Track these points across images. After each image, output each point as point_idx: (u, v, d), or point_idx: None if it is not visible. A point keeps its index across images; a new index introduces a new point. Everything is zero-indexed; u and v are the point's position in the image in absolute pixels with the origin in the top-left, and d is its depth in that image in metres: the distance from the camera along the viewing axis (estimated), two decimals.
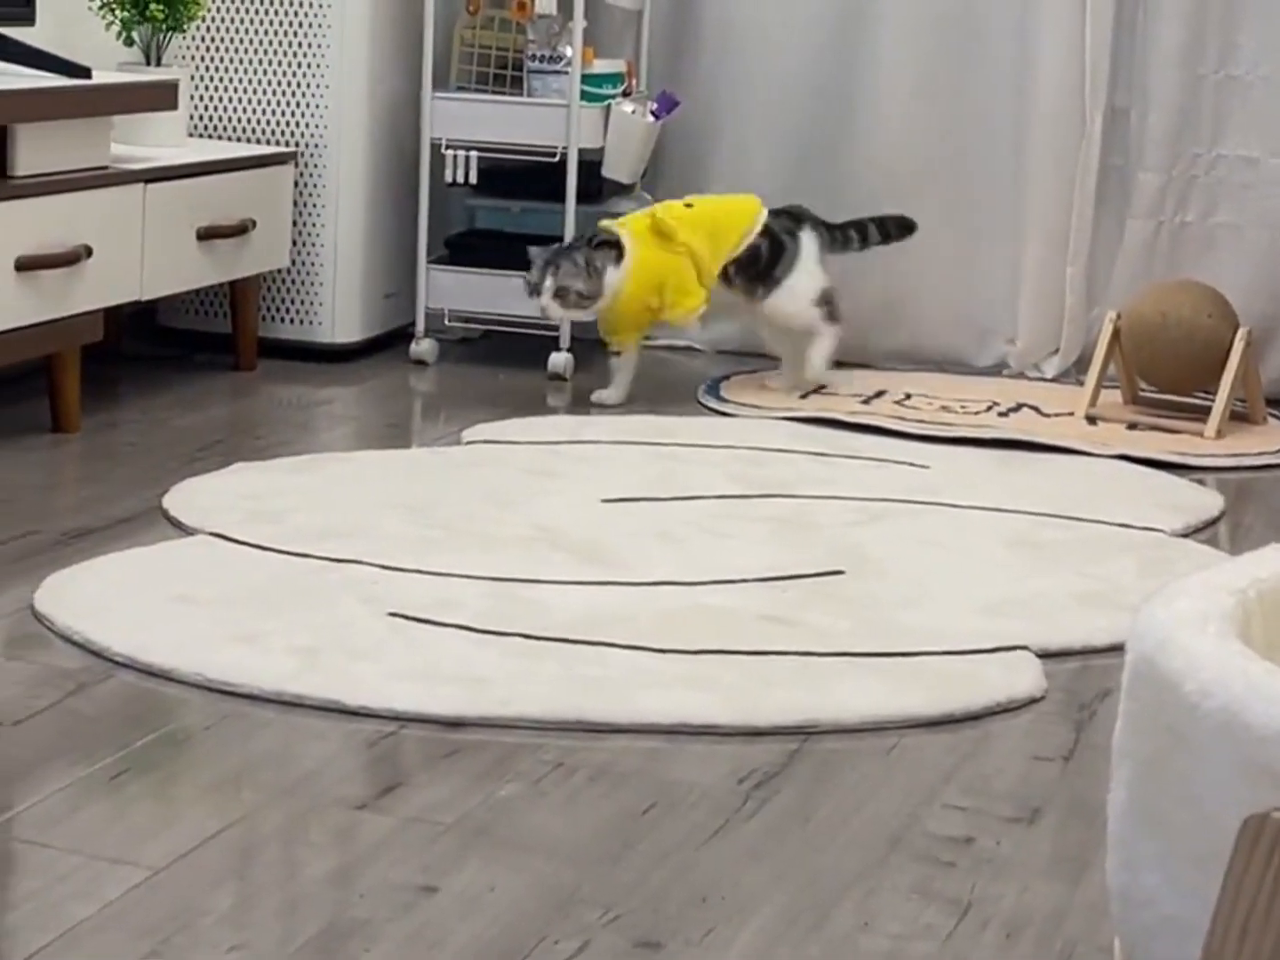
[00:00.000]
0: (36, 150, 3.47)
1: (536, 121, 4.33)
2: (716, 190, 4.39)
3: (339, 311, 4.34)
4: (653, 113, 4.48)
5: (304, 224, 4.31)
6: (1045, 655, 2.68)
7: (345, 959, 1.81)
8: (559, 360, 4.32)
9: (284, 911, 1.90)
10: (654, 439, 3.75)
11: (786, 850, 2.09)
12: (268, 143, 4.32)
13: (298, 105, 4.32)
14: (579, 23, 4.31)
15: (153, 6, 3.94)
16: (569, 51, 4.33)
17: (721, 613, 2.78)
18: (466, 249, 4.44)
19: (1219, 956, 1.20)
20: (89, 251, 3.52)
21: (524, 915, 1.91)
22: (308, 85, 4.30)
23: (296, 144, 4.31)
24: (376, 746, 2.31)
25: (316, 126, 4.31)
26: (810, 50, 4.59)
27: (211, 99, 4.36)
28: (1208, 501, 3.53)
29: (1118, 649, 2.60)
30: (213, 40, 4.34)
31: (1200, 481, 3.69)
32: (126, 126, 3.89)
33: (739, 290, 4.10)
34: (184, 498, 3.20)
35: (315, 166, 4.31)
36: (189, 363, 4.26)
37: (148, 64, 4.04)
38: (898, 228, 4.28)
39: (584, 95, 4.32)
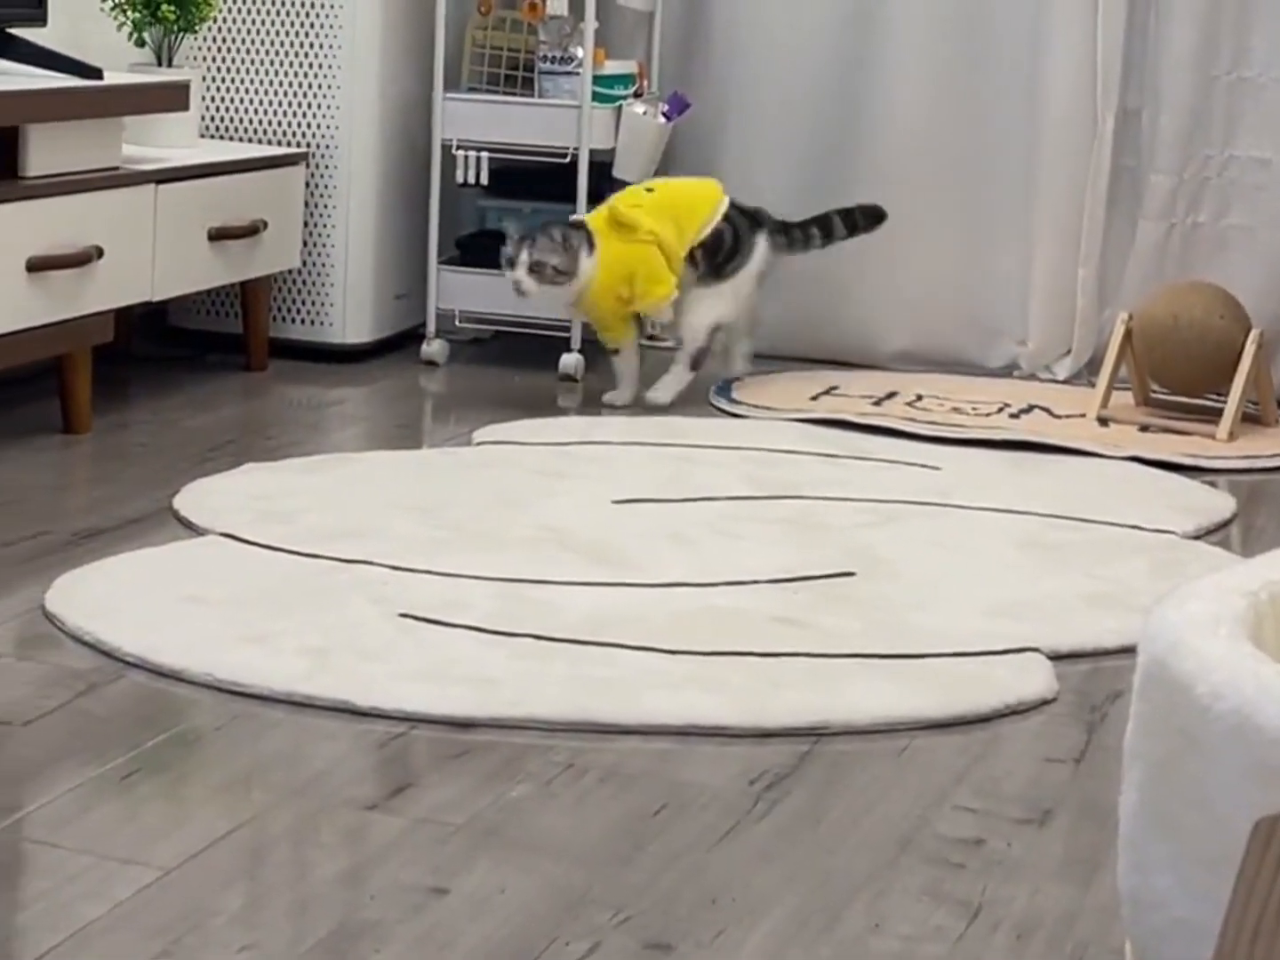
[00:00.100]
0: (48, 151, 3.47)
1: (548, 122, 4.33)
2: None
3: (350, 312, 4.34)
4: (664, 114, 4.47)
5: (315, 225, 4.31)
6: (1056, 657, 2.68)
7: None
8: (570, 361, 4.32)
9: (294, 912, 1.90)
10: (665, 440, 3.75)
11: (797, 852, 2.09)
12: (279, 143, 4.32)
13: (309, 106, 4.32)
14: (590, 24, 4.31)
15: (164, 7, 3.94)
16: (580, 52, 4.33)
17: (732, 614, 2.78)
18: (477, 250, 4.44)
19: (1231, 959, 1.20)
20: (100, 252, 3.52)
21: (534, 916, 1.91)
22: (319, 86, 4.31)
23: (307, 145, 4.32)
24: (387, 747, 2.31)
25: (327, 127, 4.31)
26: (821, 52, 4.59)
27: (223, 100, 4.37)
28: (1219, 503, 3.52)
29: (1129, 651, 2.61)
30: (224, 41, 4.34)
31: (1212, 483, 3.68)
32: (138, 127, 3.89)
33: (701, 276, 4.07)
34: (195, 498, 3.21)
35: (326, 167, 4.31)
36: (200, 363, 4.26)
37: (159, 65, 4.04)
38: (866, 218, 4.26)
39: (595, 96, 4.32)
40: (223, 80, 4.36)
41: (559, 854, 2.04)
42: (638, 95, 4.50)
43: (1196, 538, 3.32)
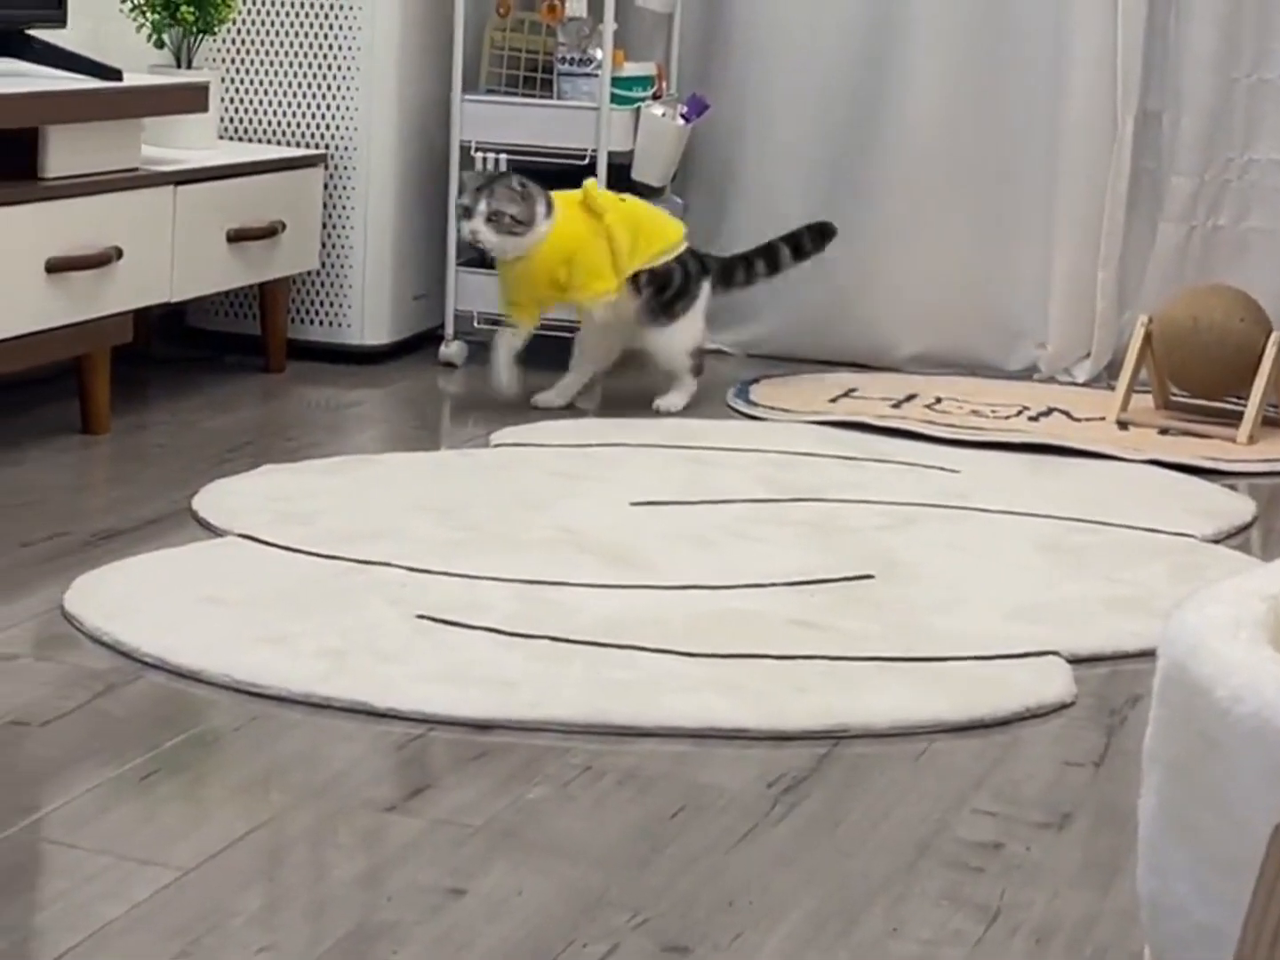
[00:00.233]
0: (68, 152, 3.48)
1: (566, 124, 4.33)
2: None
3: (368, 313, 4.34)
4: (683, 115, 4.47)
5: (333, 226, 4.32)
6: (1075, 660, 2.67)
7: None
8: None
9: (312, 913, 1.90)
10: (683, 442, 3.75)
11: (815, 855, 2.08)
12: (297, 145, 4.33)
13: (327, 108, 4.32)
14: (609, 25, 4.31)
15: (184, 9, 3.95)
16: (599, 54, 4.33)
17: (750, 616, 2.77)
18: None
19: None
20: (119, 253, 3.53)
21: (552, 918, 1.91)
22: (337, 88, 4.31)
23: (326, 146, 4.32)
24: (405, 749, 2.31)
25: (346, 129, 4.31)
26: (841, 53, 4.58)
27: (242, 101, 4.37)
28: (1239, 507, 3.51)
29: (1148, 654, 2.61)
30: (243, 43, 4.35)
31: (1232, 487, 3.67)
32: (157, 128, 3.90)
33: (643, 307, 3.98)
34: (213, 499, 3.21)
35: (345, 169, 4.32)
36: (218, 364, 4.27)
37: (178, 66, 4.05)
38: (814, 239, 4.21)
39: (614, 98, 4.32)
40: (242, 82, 4.36)
41: (577, 856, 2.04)
42: (656, 97, 4.50)
43: (1216, 541, 3.31)
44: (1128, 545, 3.22)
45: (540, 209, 3.85)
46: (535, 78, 4.49)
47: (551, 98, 4.41)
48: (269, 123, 4.36)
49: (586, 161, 4.30)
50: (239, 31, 4.34)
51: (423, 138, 4.43)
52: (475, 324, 4.41)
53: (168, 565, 2.89)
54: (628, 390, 4.13)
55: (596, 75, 4.33)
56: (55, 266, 3.40)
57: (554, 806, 2.17)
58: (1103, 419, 4.08)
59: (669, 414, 4.02)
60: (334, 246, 4.31)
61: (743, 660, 2.59)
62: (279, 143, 4.35)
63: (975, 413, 4.10)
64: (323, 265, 4.30)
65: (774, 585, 2.91)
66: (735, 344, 4.70)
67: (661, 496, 3.37)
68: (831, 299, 4.63)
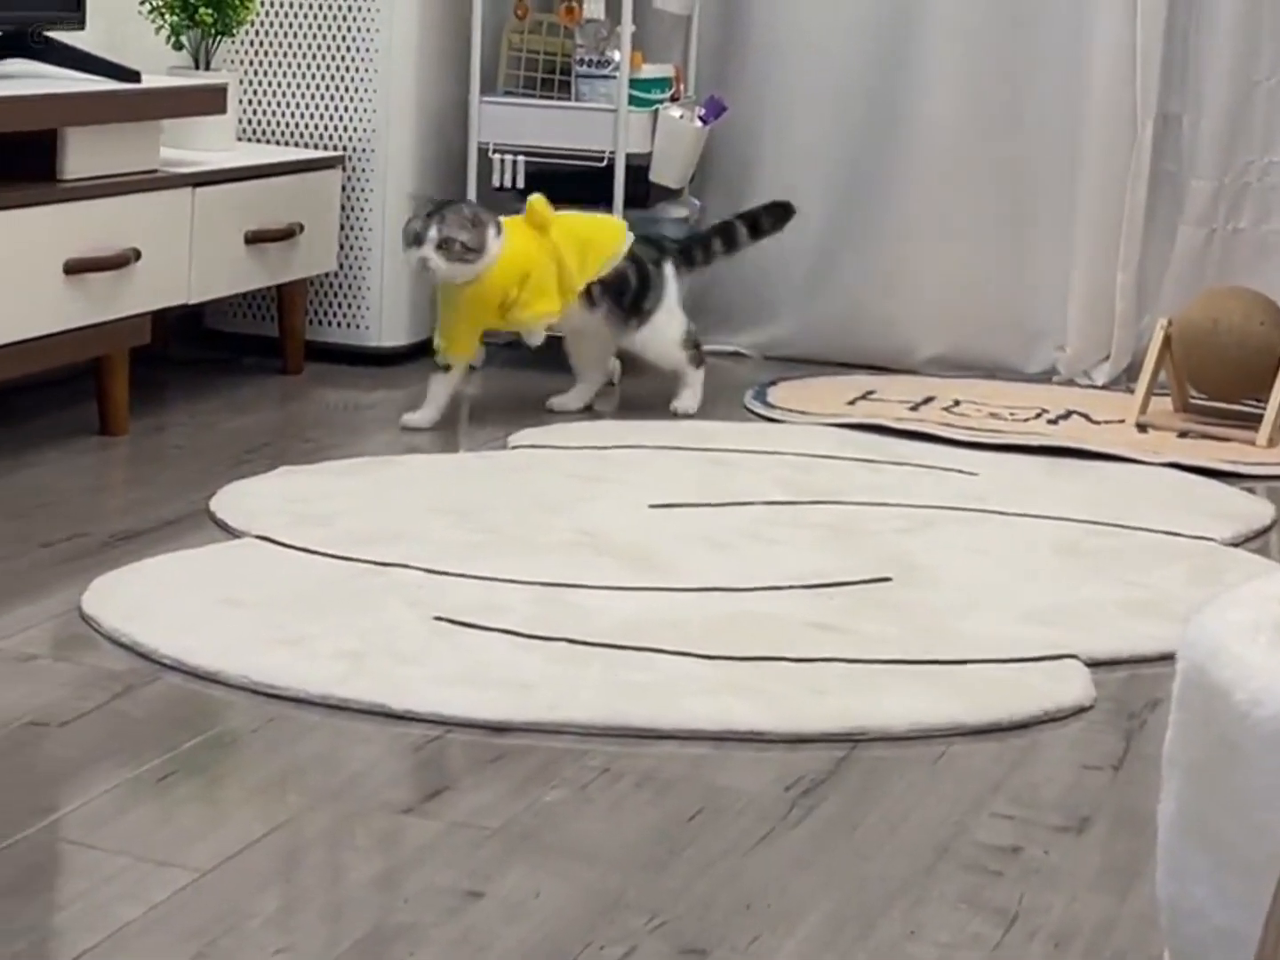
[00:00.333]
0: (86, 154, 3.48)
1: (584, 126, 4.33)
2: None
3: (386, 315, 4.34)
4: (700, 117, 4.47)
5: (351, 228, 4.32)
6: (1094, 664, 2.67)
7: None
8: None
9: (330, 915, 1.90)
10: (701, 445, 3.75)
11: (833, 858, 2.08)
12: (315, 147, 4.33)
13: (345, 109, 4.33)
14: (627, 27, 4.31)
15: (202, 11, 3.95)
16: (617, 56, 4.33)
17: (768, 619, 2.77)
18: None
19: None
20: (137, 255, 3.53)
21: (569, 921, 1.90)
22: (355, 89, 4.31)
23: (344, 148, 4.32)
24: (422, 751, 2.31)
25: (364, 130, 4.32)
26: (859, 56, 4.58)
27: (260, 103, 4.38)
28: (1258, 510, 3.50)
29: (1167, 658, 2.59)
30: (261, 44, 4.35)
31: (1251, 490, 3.66)
32: (175, 130, 3.90)
33: (606, 317, 3.92)
34: (231, 500, 3.21)
35: (363, 170, 4.32)
36: (236, 366, 4.27)
37: (197, 68, 4.05)
38: (772, 218, 4.14)
39: (632, 100, 4.33)
40: (260, 83, 4.37)
41: (594, 858, 2.04)
42: (674, 99, 4.50)
43: (1235, 544, 3.30)
44: (1147, 548, 3.21)
45: (490, 234, 3.75)
46: (553, 80, 4.49)
47: (569, 100, 4.41)
48: (287, 124, 4.37)
49: (604, 163, 4.30)
50: (257, 33, 4.34)
51: (441, 140, 4.43)
52: None
53: (186, 566, 2.89)
54: (646, 393, 4.13)
55: (614, 77, 4.33)
56: (74, 268, 3.40)
57: (572, 809, 2.16)
58: (1122, 422, 4.07)
59: (687, 415, 4.00)
60: (352, 248, 4.32)
61: (761, 663, 2.59)
62: (297, 144, 4.35)
63: (994, 415, 4.09)
64: (341, 267, 4.30)
65: (792, 588, 2.91)
66: (753, 346, 4.70)
67: (680, 499, 3.36)
68: (849, 301, 4.62)
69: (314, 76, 4.34)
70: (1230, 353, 3.99)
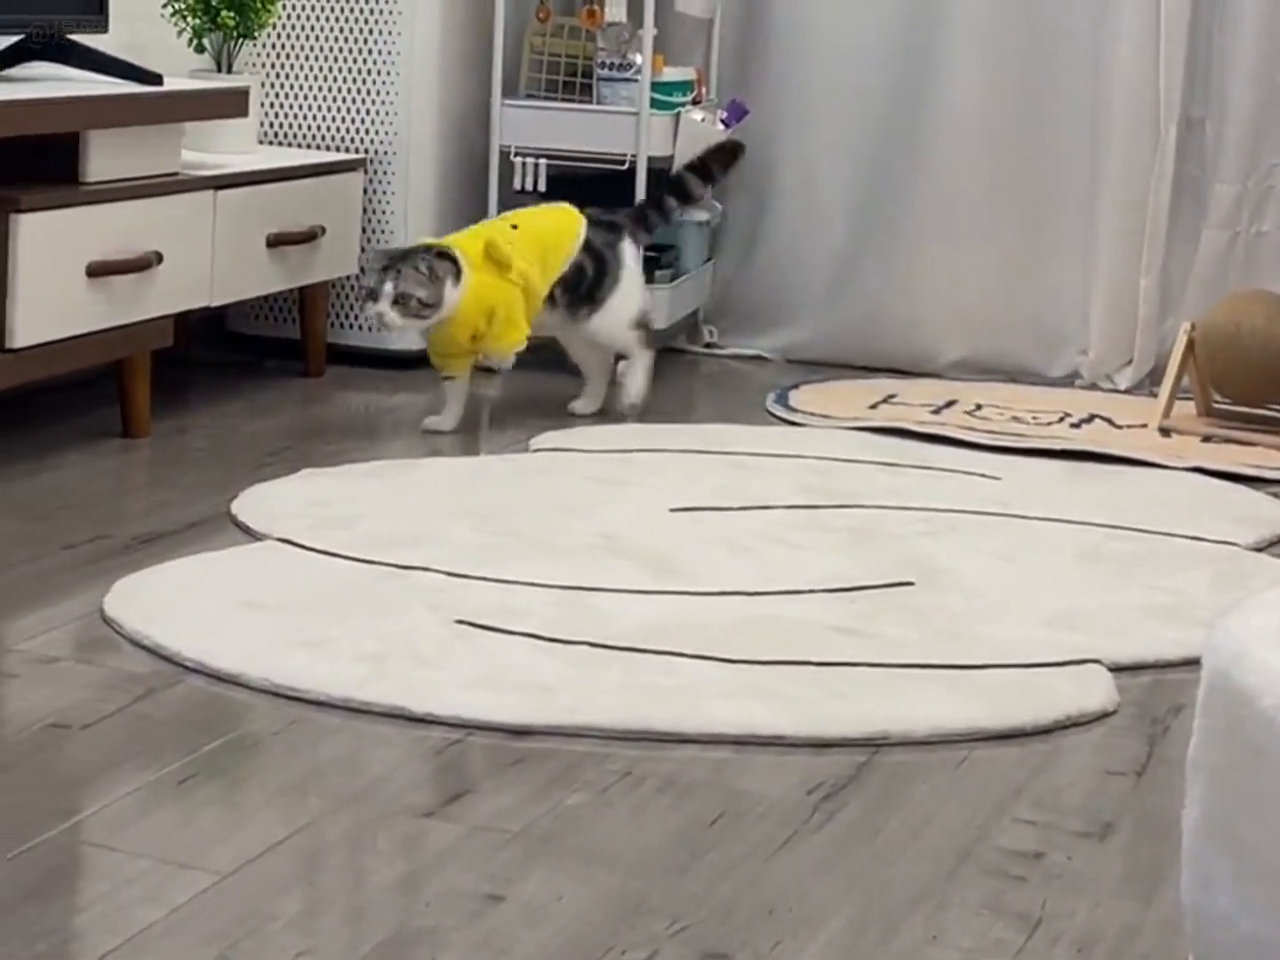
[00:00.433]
0: (108, 157, 3.48)
1: (606, 129, 4.33)
2: None
3: None
4: (722, 121, 4.47)
5: (373, 231, 4.32)
6: (1117, 669, 2.66)
7: None
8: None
9: (351, 918, 1.90)
10: (722, 448, 3.74)
11: (855, 862, 2.07)
12: (337, 149, 4.33)
13: (367, 112, 4.33)
14: (649, 30, 4.31)
15: (224, 14, 3.96)
16: (639, 59, 4.33)
17: (790, 623, 2.76)
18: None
19: None
20: (159, 257, 3.54)
21: (591, 925, 1.90)
22: (377, 92, 4.32)
23: (366, 151, 4.33)
24: (443, 754, 2.31)
25: (386, 133, 4.32)
26: (880, 58, 4.58)
27: (282, 106, 4.38)
28: None
29: (1191, 663, 2.60)
30: (283, 47, 4.36)
31: (1275, 495, 3.65)
32: (197, 133, 3.91)
33: (561, 312, 3.88)
34: (253, 503, 3.21)
35: (384, 173, 4.32)
36: (258, 368, 4.28)
37: (219, 71, 4.06)
38: (720, 162, 4.08)
39: (654, 103, 4.32)
40: (282, 86, 4.37)
41: (615, 862, 2.04)
42: (696, 102, 4.50)
43: (1259, 549, 3.29)
44: (1170, 553, 3.20)
45: (448, 287, 3.69)
46: (575, 83, 4.49)
47: (591, 103, 4.41)
48: (309, 127, 4.37)
49: (626, 166, 4.30)
50: (279, 36, 4.35)
51: (462, 142, 4.43)
52: None
53: (207, 569, 2.89)
54: (668, 396, 4.12)
55: (636, 80, 4.33)
56: (96, 271, 3.41)
57: (593, 812, 2.16)
58: (1145, 426, 4.06)
59: (634, 408, 3.95)
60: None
61: (782, 667, 2.58)
62: (319, 147, 4.35)
63: (1016, 419, 4.09)
64: (362, 270, 4.30)
65: (814, 591, 2.90)
66: (774, 349, 4.70)
67: (701, 502, 3.36)
68: (871, 304, 4.62)
69: (336, 79, 4.34)
70: (1254, 356, 3.98)
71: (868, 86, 4.59)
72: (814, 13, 4.61)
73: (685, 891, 1.98)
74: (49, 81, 3.55)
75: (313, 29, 4.34)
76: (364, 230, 4.29)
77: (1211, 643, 1.45)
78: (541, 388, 4.24)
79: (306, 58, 4.35)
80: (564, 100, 4.46)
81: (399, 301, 3.66)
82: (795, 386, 4.35)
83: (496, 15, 4.33)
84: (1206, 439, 3.99)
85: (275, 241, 3.92)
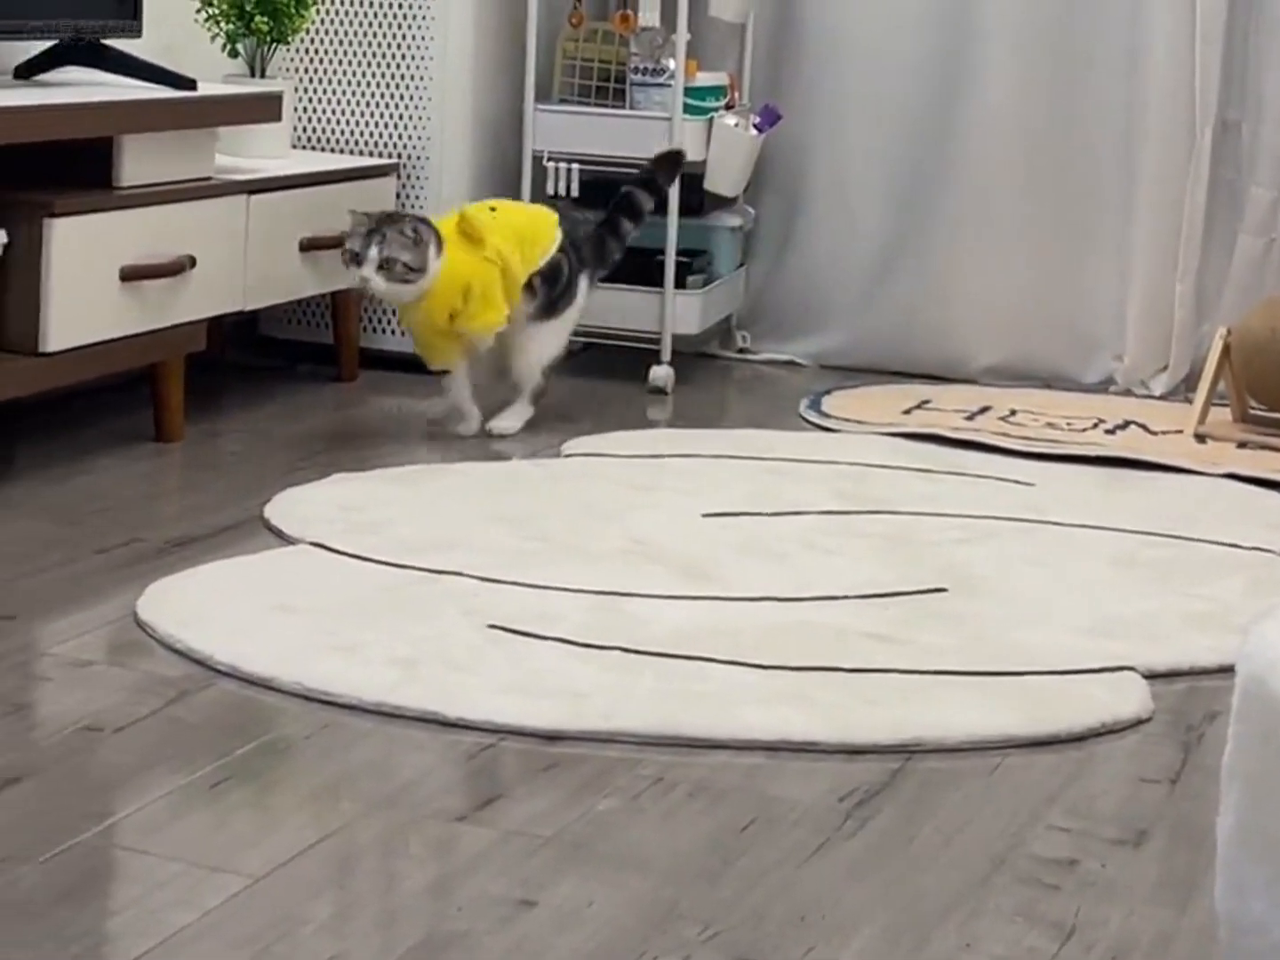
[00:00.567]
0: (142, 161, 3.49)
1: (639, 134, 4.33)
2: None
3: None
4: (755, 126, 4.47)
5: None
6: (1152, 676, 2.65)
7: None
8: (660, 374, 4.32)
9: (383, 922, 1.90)
10: (756, 454, 3.74)
11: (888, 870, 2.07)
12: (370, 154, 4.34)
13: (400, 117, 4.33)
14: (682, 35, 4.30)
15: (258, 19, 3.97)
16: (672, 64, 4.33)
17: (823, 629, 2.76)
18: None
19: None
20: (193, 262, 3.54)
21: (623, 930, 1.90)
22: (410, 97, 4.32)
23: (399, 156, 4.33)
24: (475, 759, 2.30)
25: (419, 138, 4.32)
26: (914, 64, 4.57)
27: (315, 111, 4.39)
28: None
29: (1226, 670, 2.59)
30: (316, 52, 4.37)
31: None
32: (231, 138, 3.92)
33: (536, 307, 3.79)
34: (285, 507, 3.22)
35: (417, 178, 4.33)
36: (291, 373, 4.28)
37: (252, 76, 4.06)
38: (665, 171, 4.01)
39: (687, 108, 4.32)
40: (315, 91, 4.38)
41: (647, 868, 2.03)
42: (729, 107, 4.49)
43: None
44: (1205, 559, 3.19)
45: (432, 252, 3.62)
46: (608, 88, 4.49)
47: (624, 108, 4.41)
48: (342, 132, 4.38)
49: None
50: (312, 41, 4.36)
51: (495, 147, 4.43)
52: None
53: (240, 573, 2.89)
54: (701, 402, 4.11)
55: (669, 85, 4.32)
56: (129, 275, 3.41)
57: (625, 818, 2.16)
58: (1180, 432, 4.04)
59: (496, 434, 3.82)
60: None
61: (815, 673, 2.57)
62: (352, 152, 4.36)
63: (1051, 425, 4.07)
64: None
65: (847, 598, 2.90)
66: (808, 355, 4.69)
67: (734, 508, 3.35)
68: (905, 310, 4.61)
69: (369, 84, 4.34)
70: None
71: (901, 90, 4.58)
72: (847, 17, 4.60)
73: (717, 898, 1.97)
74: (83, 86, 3.57)
75: (346, 34, 4.35)
76: None
77: (1246, 649, 1.44)
78: (573, 393, 4.24)
79: (340, 62, 4.36)
80: (597, 105, 4.46)
81: (384, 266, 3.59)
82: (828, 392, 4.34)
83: (530, 20, 4.33)
84: (1242, 445, 3.97)
85: (308, 246, 3.92)
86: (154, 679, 2.48)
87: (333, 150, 4.38)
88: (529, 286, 3.78)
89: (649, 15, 4.35)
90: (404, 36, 4.31)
